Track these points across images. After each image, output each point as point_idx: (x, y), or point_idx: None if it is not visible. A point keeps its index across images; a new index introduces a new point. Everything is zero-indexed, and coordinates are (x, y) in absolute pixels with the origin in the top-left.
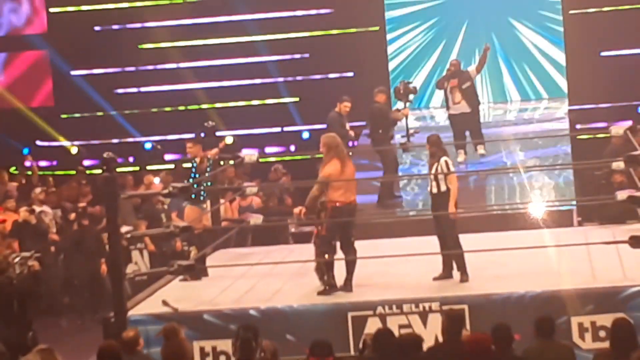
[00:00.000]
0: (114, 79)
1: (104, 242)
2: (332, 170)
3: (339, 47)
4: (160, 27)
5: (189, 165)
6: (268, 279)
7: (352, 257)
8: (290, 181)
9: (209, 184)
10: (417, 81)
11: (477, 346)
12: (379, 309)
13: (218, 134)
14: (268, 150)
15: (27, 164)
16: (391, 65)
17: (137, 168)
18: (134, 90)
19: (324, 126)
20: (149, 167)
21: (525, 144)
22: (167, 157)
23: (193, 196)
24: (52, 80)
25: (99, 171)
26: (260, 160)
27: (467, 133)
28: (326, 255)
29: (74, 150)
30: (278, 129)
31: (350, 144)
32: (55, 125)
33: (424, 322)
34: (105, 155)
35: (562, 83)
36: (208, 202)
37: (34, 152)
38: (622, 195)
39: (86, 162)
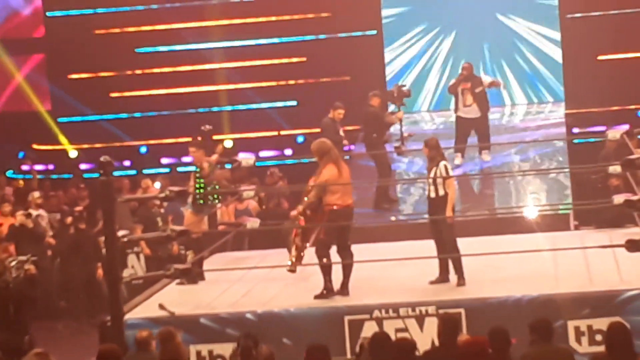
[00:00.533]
0: (110, 83)
1: (101, 246)
2: (329, 175)
3: (336, 51)
4: (157, 30)
5: (192, 169)
6: (265, 282)
7: (349, 260)
8: (287, 185)
9: (216, 187)
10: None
11: (474, 350)
12: (376, 313)
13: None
14: (263, 154)
15: (25, 167)
16: (388, 69)
17: (134, 172)
18: (131, 94)
19: (319, 130)
20: (145, 171)
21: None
22: (164, 160)
23: (201, 202)
24: (48, 84)
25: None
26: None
27: (470, 138)
28: (324, 259)
29: (73, 154)
30: (274, 133)
31: (347, 147)
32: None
33: (421, 326)
34: (102, 159)
35: (559, 87)
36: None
37: (30, 156)
38: (618, 199)
39: (83, 166)
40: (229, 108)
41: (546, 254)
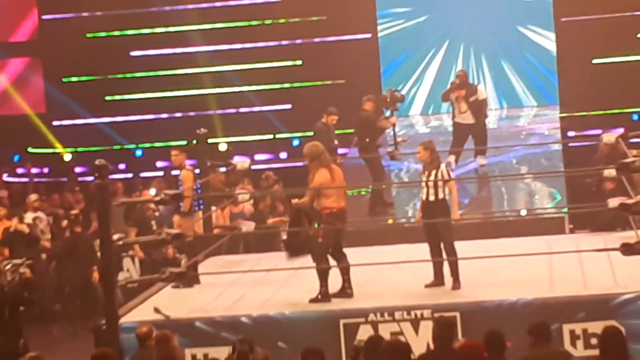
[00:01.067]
0: (104, 86)
1: (96, 249)
2: (322, 179)
3: (331, 54)
4: (152, 34)
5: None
6: (260, 286)
7: (345, 262)
8: (282, 188)
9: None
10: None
11: (471, 354)
12: (371, 316)
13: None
14: (258, 157)
15: (20, 171)
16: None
17: (129, 175)
18: (125, 97)
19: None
20: (141, 175)
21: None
22: (159, 164)
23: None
24: (43, 87)
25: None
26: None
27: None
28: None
29: (67, 157)
30: (269, 136)
31: (343, 151)
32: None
33: (416, 330)
34: (97, 162)
35: (554, 90)
36: (199, 212)
37: (26, 159)
38: (613, 202)
39: (77, 169)
40: (223, 111)
41: (541, 258)
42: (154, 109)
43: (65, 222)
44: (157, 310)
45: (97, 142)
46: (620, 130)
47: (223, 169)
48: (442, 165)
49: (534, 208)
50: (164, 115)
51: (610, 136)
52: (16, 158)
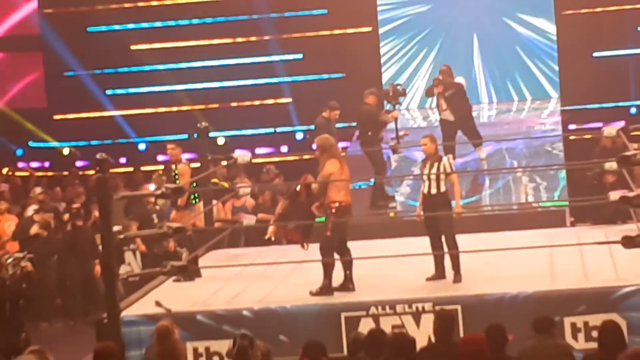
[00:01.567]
0: (106, 80)
1: (97, 243)
2: (333, 169)
3: (331, 48)
4: (152, 28)
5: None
6: (261, 279)
7: (348, 256)
8: (283, 182)
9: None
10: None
11: (472, 347)
12: (372, 310)
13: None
14: (260, 151)
15: (20, 165)
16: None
17: (130, 169)
18: (126, 91)
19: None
20: (143, 168)
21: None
22: (160, 158)
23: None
24: (44, 81)
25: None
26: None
27: (460, 133)
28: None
29: (65, 151)
30: (270, 130)
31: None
32: (48, 126)
33: (417, 323)
34: (98, 156)
35: (554, 84)
36: (199, 205)
37: (27, 153)
38: (614, 195)
39: (79, 163)
40: (223, 105)
41: (542, 251)
42: (154, 103)
43: (66, 216)
44: (158, 303)
45: (98, 136)
46: (622, 123)
47: (224, 163)
48: (444, 158)
49: (535, 201)
50: (165, 109)
51: (611, 129)
52: (19, 152)
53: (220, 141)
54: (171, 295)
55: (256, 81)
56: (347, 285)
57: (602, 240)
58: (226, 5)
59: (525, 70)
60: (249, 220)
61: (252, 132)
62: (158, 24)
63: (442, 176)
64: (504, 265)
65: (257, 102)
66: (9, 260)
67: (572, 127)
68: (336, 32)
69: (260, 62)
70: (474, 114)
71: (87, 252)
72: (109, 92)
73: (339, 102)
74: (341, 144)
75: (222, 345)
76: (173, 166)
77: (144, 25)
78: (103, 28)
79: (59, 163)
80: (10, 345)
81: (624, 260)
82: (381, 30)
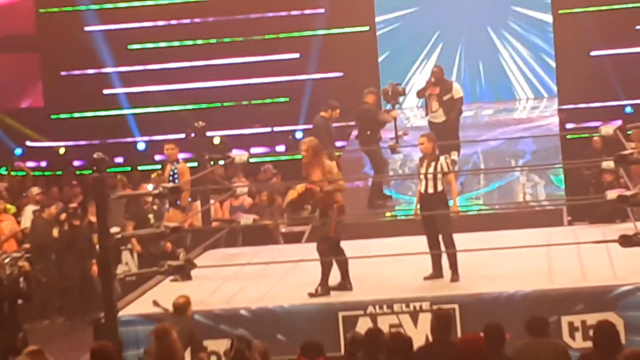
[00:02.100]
0: (103, 80)
1: (95, 242)
2: (335, 170)
3: (329, 47)
4: (149, 27)
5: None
6: (258, 279)
7: (343, 255)
8: (281, 181)
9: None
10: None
11: (470, 346)
12: (370, 309)
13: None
14: (257, 150)
15: (17, 164)
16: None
17: (128, 168)
18: (123, 90)
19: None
20: (140, 168)
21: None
22: (157, 157)
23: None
24: (41, 81)
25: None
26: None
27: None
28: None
29: (61, 151)
30: (268, 129)
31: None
32: (45, 126)
33: (415, 322)
34: (95, 155)
35: (551, 82)
36: (195, 204)
37: (26, 153)
38: (612, 194)
39: (76, 163)
40: (221, 104)
41: (540, 250)
42: (151, 103)
43: (63, 216)
44: (155, 303)
45: (95, 135)
46: (619, 122)
47: (221, 162)
48: (442, 158)
49: (533, 200)
50: (162, 109)
51: (608, 128)
52: (18, 152)
53: (216, 141)
54: (169, 295)
55: (253, 80)
56: (345, 284)
57: (600, 239)
58: (223, 5)
59: (523, 69)
60: (246, 219)
61: (249, 131)
62: (155, 23)
63: (439, 175)
64: (502, 264)
65: (254, 102)
66: (7, 260)
67: (569, 126)
68: (334, 31)
69: (260, 61)
70: (471, 113)
71: (85, 251)
72: (106, 91)
73: (337, 102)
74: (338, 144)
75: (220, 345)
76: (172, 166)
77: (141, 25)
78: (100, 28)
79: (56, 163)
80: (9, 344)
81: (621, 259)
82: (378, 30)
